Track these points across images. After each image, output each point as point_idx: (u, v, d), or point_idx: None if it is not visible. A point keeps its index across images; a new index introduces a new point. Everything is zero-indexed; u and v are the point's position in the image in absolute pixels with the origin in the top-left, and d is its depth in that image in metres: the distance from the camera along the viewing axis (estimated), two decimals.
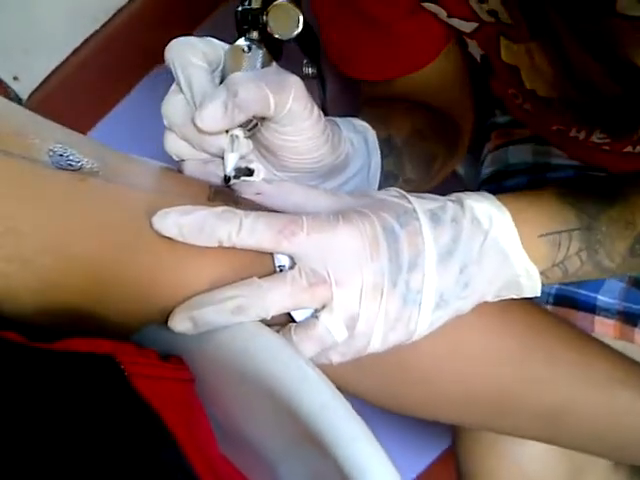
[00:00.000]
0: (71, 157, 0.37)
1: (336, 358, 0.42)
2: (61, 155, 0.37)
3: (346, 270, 0.39)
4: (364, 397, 0.48)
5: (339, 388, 0.36)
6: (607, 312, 0.72)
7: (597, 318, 0.72)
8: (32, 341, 0.33)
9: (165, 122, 0.45)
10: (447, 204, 0.43)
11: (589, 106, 0.64)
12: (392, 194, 0.44)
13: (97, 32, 1.19)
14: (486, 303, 0.44)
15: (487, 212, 0.44)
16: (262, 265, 0.40)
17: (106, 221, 0.38)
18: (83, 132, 0.41)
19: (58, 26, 1.16)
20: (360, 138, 0.55)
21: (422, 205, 0.43)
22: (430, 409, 0.50)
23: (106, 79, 1.22)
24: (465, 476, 0.74)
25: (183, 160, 0.46)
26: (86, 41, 1.18)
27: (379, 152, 0.57)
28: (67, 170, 0.37)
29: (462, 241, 0.42)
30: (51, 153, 0.37)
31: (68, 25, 1.17)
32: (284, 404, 0.35)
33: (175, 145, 0.45)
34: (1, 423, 0.29)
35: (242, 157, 0.45)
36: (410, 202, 0.43)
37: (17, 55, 1.15)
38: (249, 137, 0.45)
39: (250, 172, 0.44)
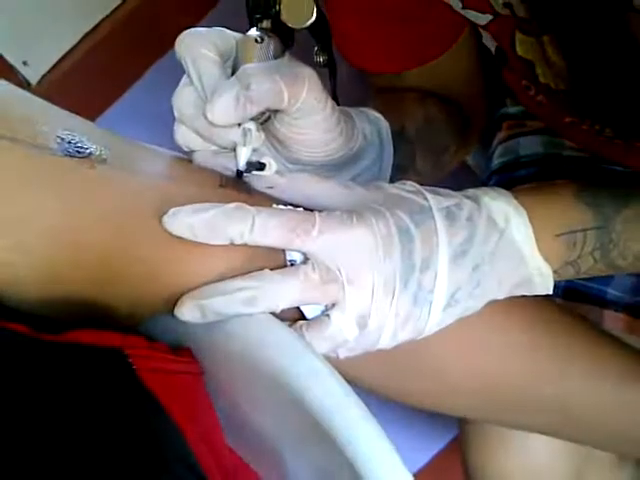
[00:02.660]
0: (79, 144, 0.37)
1: (344, 353, 0.41)
2: (69, 142, 0.37)
3: (358, 269, 0.39)
4: (370, 388, 0.48)
5: (345, 379, 0.36)
6: (617, 306, 0.72)
7: (607, 312, 0.72)
8: (38, 332, 0.33)
9: (176, 114, 0.44)
10: (463, 201, 0.43)
11: (601, 102, 0.64)
12: (407, 188, 0.43)
13: (107, 17, 1.19)
14: (497, 299, 0.44)
15: (503, 211, 0.43)
16: (273, 258, 0.40)
17: (114, 209, 0.37)
18: (92, 118, 0.41)
19: (68, 11, 1.16)
20: (373, 129, 0.55)
21: (438, 202, 0.42)
22: (437, 402, 0.50)
23: (116, 64, 1.22)
24: (470, 469, 0.74)
25: (193, 151, 0.45)
26: (96, 26, 1.18)
27: (392, 143, 0.57)
28: (75, 157, 0.37)
29: (476, 241, 0.42)
30: (59, 140, 0.36)
31: (78, 10, 1.17)
32: (295, 398, 0.35)
33: (186, 137, 0.45)
34: (6, 415, 0.29)
35: (254, 150, 0.44)
36: (426, 198, 0.42)
37: (27, 40, 1.15)
38: (261, 129, 0.45)
39: (262, 166, 0.43)
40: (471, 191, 0.45)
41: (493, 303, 0.44)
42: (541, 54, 0.61)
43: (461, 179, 0.64)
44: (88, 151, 0.37)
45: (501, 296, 0.44)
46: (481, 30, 0.65)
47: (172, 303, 0.38)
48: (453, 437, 1.19)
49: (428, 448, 1.21)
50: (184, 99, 0.43)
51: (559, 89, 0.65)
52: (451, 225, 0.41)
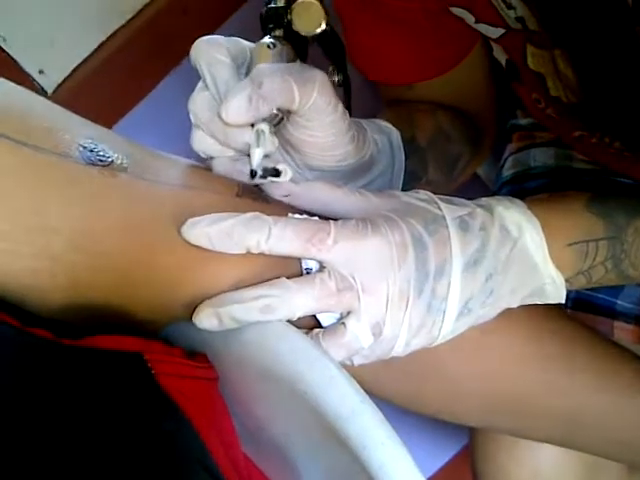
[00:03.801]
0: (101, 152, 0.38)
1: (358, 361, 0.42)
2: (91, 151, 0.37)
3: (373, 278, 0.40)
4: (382, 396, 0.48)
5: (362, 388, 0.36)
6: (626, 317, 0.72)
7: (616, 323, 0.72)
8: (59, 337, 0.34)
9: (192, 119, 0.45)
10: (476, 211, 0.43)
11: (611, 115, 0.64)
12: (420, 197, 0.44)
13: (123, 27, 1.19)
14: (510, 308, 0.45)
15: (516, 220, 0.44)
16: (289, 266, 0.41)
17: (136, 218, 0.38)
18: (108, 127, 0.42)
19: (84, 20, 1.17)
20: (385, 139, 0.55)
21: (451, 212, 0.43)
22: (449, 410, 0.50)
23: (132, 74, 1.22)
24: (480, 477, 0.74)
25: (211, 158, 0.46)
26: (112, 36, 1.19)
27: (403, 152, 0.57)
28: (97, 165, 0.37)
29: (490, 250, 0.42)
30: (81, 148, 0.37)
31: (94, 19, 1.17)
32: (311, 406, 0.35)
33: (203, 142, 0.45)
34: (28, 417, 0.30)
35: (267, 155, 0.45)
36: (439, 208, 0.43)
37: (43, 49, 1.15)
38: (274, 132, 0.45)
39: (277, 172, 0.44)
40: (484, 200, 0.45)
41: (507, 313, 0.44)
42: (552, 67, 0.61)
43: (472, 190, 0.64)
44: (110, 159, 0.38)
45: (514, 304, 0.44)
46: (492, 43, 0.66)
47: (190, 310, 0.39)
48: (463, 446, 1.19)
49: (438, 457, 1.21)
50: (199, 103, 0.44)
51: (570, 102, 0.65)
52: (464, 234, 0.42)
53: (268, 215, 0.39)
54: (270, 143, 0.44)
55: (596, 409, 0.49)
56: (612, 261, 0.46)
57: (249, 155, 0.44)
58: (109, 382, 0.33)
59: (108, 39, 1.19)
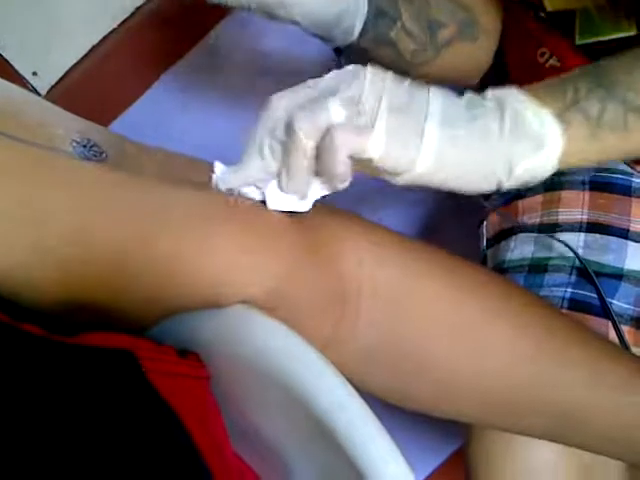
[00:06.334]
0: (94, 148, 0.38)
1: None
2: (84, 146, 0.37)
3: None
4: (376, 393, 0.48)
5: (351, 384, 0.36)
6: (621, 318, 0.72)
7: (611, 323, 0.72)
8: (51, 333, 0.33)
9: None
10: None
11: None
12: None
13: (115, 30, 1.19)
14: (505, 305, 0.44)
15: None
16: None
17: (130, 212, 0.38)
18: None
19: (77, 23, 1.17)
20: None
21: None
22: (442, 407, 0.50)
23: (124, 76, 1.23)
24: (474, 475, 0.74)
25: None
26: (105, 38, 1.19)
27: None
28: (91, 160, 0.37)
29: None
30: (75, 144, 0.37)
31: (87, 22, 1.18)
32: (299, 401, 0.35)
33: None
34: (17, 414, 0.29)
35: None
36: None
37: (37, 51, 1.16)
38: None
39: None
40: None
41: (501, 309, 0.44)
42: None
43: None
44: (103, 155, 0.38)
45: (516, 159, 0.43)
46: None
47: (184, 303, 0.39)
48: (454, 450, 1.19)
49: (430, 460, 1.21)
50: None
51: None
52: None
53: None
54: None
55: (591, 405, 0.49)
56: (603, 89, 0.45)
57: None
58: (99, 379, 0.33)
59: (101, 42, 1.19)
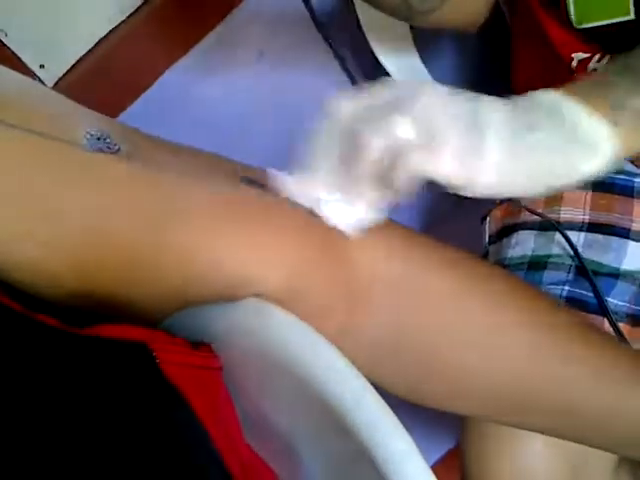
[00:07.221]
0: (108, 140, 0.37)
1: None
2: (98, 138, 0.37)
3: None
4: (384, 385, 0.48)
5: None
6: (617, 315, 0.72)
7: (607, 321, 0.72)
8: (67, 325, 0.34)
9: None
10: None
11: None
12: None
13: (123, 22, 1.19)
14: (509, 300, 0.45)
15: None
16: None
17: (144, 204, 0.38)
18: None
19: (85, 15, 1.17)
20: None
21: None
22: (447, 401, 0.51)
23: (132, 69, 1.23)
24: (470, 476, 0.74)
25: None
26: (113, 30, 1.19)
27: None
28: (105, 153, 0.37)
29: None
30: (88, 136, 0.37)
31: (94, 15, 1.18)
32: (312, 392, 0.35)
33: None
34: (33, 405, 0.29)
35: None
36: None
37: (44, 44, 1.16)
38: None
39: None
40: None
41: (504, 306, 0.44)
42: None
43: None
44: (117, 147, 0.38)
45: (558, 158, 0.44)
46: None
47: (198, 295, 0.39)
48: (449, 449, 1.19)
49: (426, 458, 1.21)
50: None
51: None
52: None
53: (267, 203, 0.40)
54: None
55: (593, 400, 0.49)
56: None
57: None
58: (113, 371, 0.33)
59: (109, 34, 1.19)
